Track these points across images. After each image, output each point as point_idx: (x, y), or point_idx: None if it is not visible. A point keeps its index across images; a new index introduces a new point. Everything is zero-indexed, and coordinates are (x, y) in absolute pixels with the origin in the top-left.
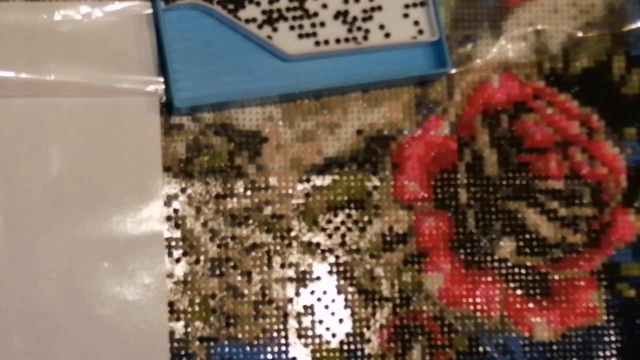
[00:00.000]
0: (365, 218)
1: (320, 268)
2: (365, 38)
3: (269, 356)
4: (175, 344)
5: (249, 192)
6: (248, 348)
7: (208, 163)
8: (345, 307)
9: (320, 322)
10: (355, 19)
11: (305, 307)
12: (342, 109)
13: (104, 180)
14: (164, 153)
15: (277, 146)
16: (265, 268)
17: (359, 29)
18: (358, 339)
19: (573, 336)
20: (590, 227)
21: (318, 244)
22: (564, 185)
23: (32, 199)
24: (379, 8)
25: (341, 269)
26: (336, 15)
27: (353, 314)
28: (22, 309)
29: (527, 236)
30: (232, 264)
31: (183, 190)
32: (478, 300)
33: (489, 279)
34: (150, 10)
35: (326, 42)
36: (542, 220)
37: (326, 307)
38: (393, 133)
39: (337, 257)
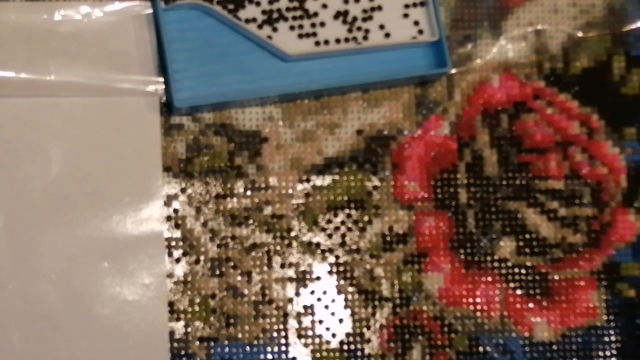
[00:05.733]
0: (365, 218)
1: (320, 268)
2: (365, 38)
3: (269, 356)
4: (175, 344)
5: (249, 192)
6: (248, 348)
7: (208, 163)
8: (345, 307)
9: (320, 322)
10: (355, 19)
11: (305, 307)
12: (342, 109)
13: (104, 180)
14: (164, 153)
15: (277, 146)
16: (265, 268)
17: (359, 29)
18: (358, 339)
19: (573, 336)
20: (590, 227)
21: (318, 244)
22: (564, 185)
23: (32, 199)
24: (379, 8)
25: (341, 269)
26: (336, 15)
27: (353, 314)
28: (22, 309)
29: (527, 236)
30: (232, 264)
31: (183, 190)
32: (478, 300)
33: (489, 279)
34: (150, 10)
35: (326, 42)
36: (542, 220)
37: (326, 307)
38: (393, 133)
39: (337, 257)
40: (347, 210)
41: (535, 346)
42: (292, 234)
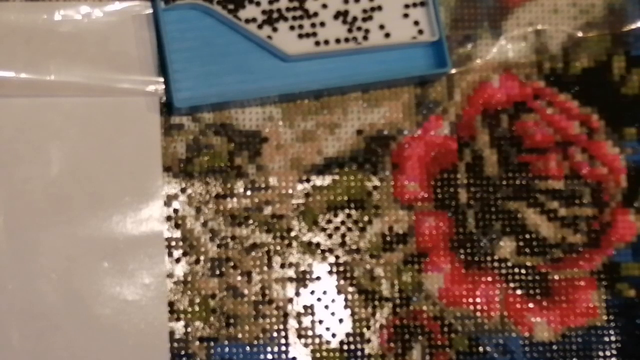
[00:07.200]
0: (365, 218)
1: (320, 268)
2: (365, 38)
3: (269, 356)
4: (175, 344)
5: (249, 192)
6: (248, 348)
7: (208, 163)
8: (345, 307)
9: (320, 322)
10: (355, 19)
11: (305, 307)
12: (342, 109)
13: (104, 180)
14: (164, 153)
15: (277, 146)
16: (265, 268)
17: (359, 29)
18: (358, 339)
19: (573, 336)
20: (590, 227)
21: (318, 244)
22: (564, 185)
23: (32, 199)
24: (379, 8)
25: (341, 269)
26: (336, 15)
27: (353, 314)
28: (22, 309)
29: (527, 236)
30: (232, 264)
31: (183, 190)
32: (478, 300)
33: (489, 279)
34: (150, 10)
35: (326, 42)
36: (542, 220)
37: (326, 307)
38: (393, 133)
39: (337, 257)
40: (347, 210)
41: (535, 346)
42: (292, 234)
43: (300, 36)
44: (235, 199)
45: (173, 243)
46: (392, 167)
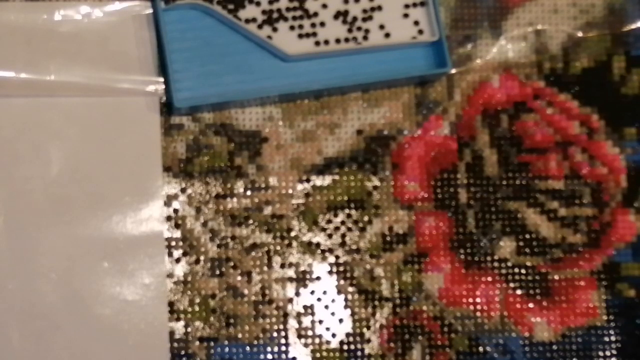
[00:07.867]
0: (365, 218)
1: (320, 268)
2: (365, 38)
3: (269, 356)
4: (175, 344)
5: (249, 192)
6: (248, 348)
7: (208, 163)
8: (345, 307)
9: (320, 322)
10: (355, 19)
11: (305, 307)
12: (342, 109)
13: (104, 180)
14: (164, 153)
15: (277, 146)
16: (265, 268)
17: (359, 29)
18: (358, 339)
19: (573, 336)
20: (590, 227)
21: (318, 244)
22: (564, 185)
23: (32, 199)
24: (379, 8)
25: (341, 269)
26: (336, 15)
27: (353, 314)
28: (22, 309)
29: (527, 236)
30: (232, 264)
31: (183, 190)
32: (478, 300)
33: (489, 279)
34: (150, 10)
35: (326, 42)
36: (542, 220)
37: (326, 307)
38: (393, 133)
39: (337, 257)
40: (347, 210)
41: (535, 346)
42: (292, 234)
43: (300, 36)
44: (235, 199)
45: (173, 243)
46: (392, 167)
